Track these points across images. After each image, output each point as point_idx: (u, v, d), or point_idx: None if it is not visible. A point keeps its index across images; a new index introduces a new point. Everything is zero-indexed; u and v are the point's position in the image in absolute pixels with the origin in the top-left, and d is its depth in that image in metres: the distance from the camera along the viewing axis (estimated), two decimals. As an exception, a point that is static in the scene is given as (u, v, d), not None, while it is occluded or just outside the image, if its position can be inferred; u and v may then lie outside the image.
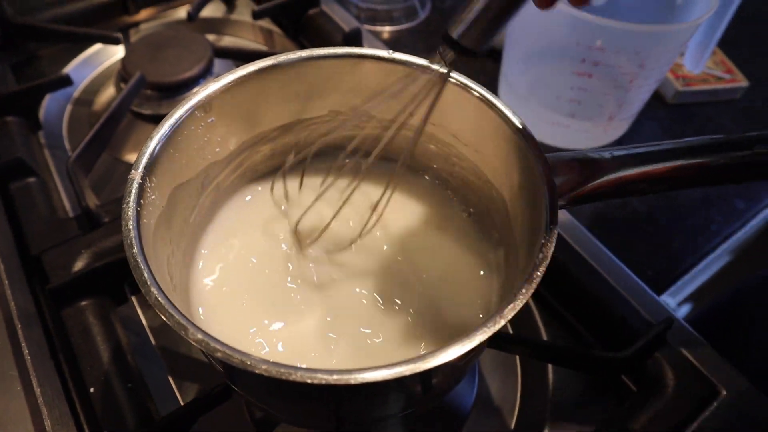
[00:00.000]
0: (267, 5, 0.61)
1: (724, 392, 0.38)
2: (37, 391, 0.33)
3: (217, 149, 0.36)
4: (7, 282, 0.38)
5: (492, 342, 0.39)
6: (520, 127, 0.31)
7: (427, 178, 0.41)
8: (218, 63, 0.59)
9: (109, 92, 0.61)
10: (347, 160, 0.39)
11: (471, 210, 0.39)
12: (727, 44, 0.67)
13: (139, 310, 0.45)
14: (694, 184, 0.33)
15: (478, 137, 0.35)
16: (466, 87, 0.33)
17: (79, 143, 0.56)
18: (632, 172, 0.32)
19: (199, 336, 0.23)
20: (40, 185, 0.48)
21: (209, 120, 0.34)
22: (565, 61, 0.48)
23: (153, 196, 0.30)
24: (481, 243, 0.38)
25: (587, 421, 0.40)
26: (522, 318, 0.46)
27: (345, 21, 0.62)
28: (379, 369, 0.22)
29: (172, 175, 0.32)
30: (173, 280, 0.31)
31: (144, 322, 0.44)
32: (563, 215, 0.46)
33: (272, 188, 0.39)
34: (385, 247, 0.38)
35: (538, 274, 0.26)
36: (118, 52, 0.65)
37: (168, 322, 0.24)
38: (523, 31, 0.51)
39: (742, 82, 0.64)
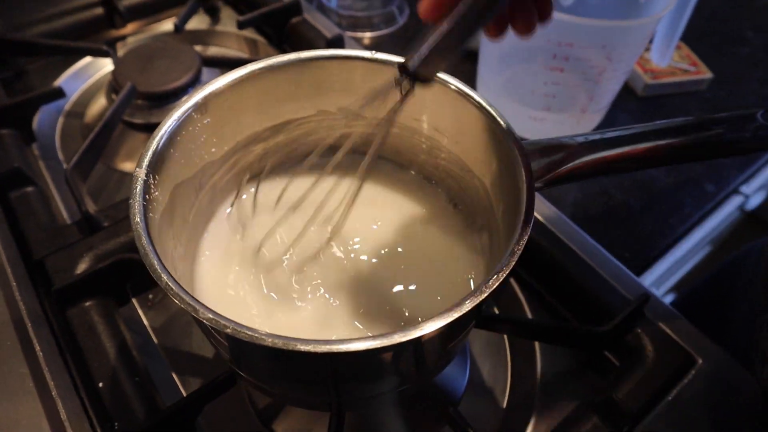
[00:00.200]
0: (251, 15, 0.64)
1: (701, 361, 0.41)
2: (51, 384, 0.34)
3: (213, 149, 0.37)
4: (14, 284, 0.39)
5: (481, 323, 0.41)
6: (497, 117, 0.34)
7: (413, 172, 0.43)
8: (206, 72, 0.61)
9: (99, 104, 0.62)
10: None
11: (455, 198, 0.41)
12: (692, 39, 0.71)
13: (140, 311, 0.46)
14: (660, 164, 0.36)
15: (458, 129, 0.38)
16: (444, 82, 0.35)
17: (71, 154, 0.58)
18: (603, 155, 0.34)
19: (210, 315, 0.25)
20: (38, 194, 0.49)
21: (205, 121, 0.35)
22: (538, 58, 0.51)
23: (156, 193, 0.31)
24: (465, 229, 0.40)
25: (574, 395, 0.43)
26: (508, 302, 0.48)
27: (327, 28, 0.64)
28: (377, 337, 0.24)
29: (173, 174, 0.34)
30: (177, 272, 0.33)
31: (145, 322, 0.46)
32: (547, 208, 0.49)
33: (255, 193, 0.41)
34: (378, 239, 0.40)
35: (520, 246, 0.28)
36: (106, 65, 0.67)
37: (180, 304, 0.25)
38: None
39: (707, 74, 0.67)
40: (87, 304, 0.42)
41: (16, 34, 0.63)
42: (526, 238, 0.29)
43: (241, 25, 0.63)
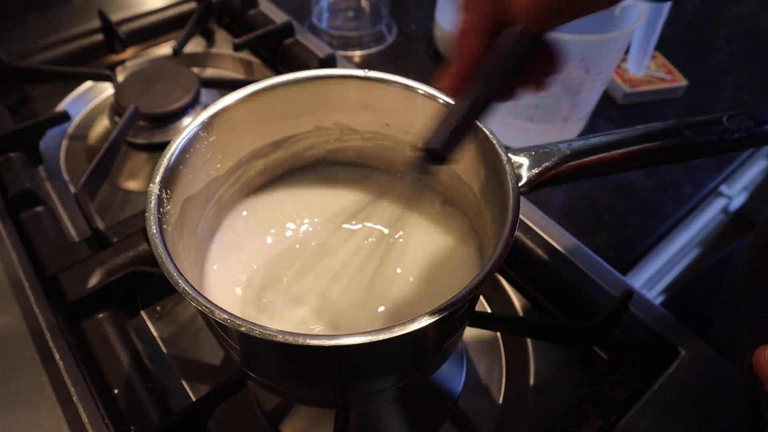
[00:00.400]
0: (246, 38, 0.66)
1: (683, 352, 0.43)
2: (71, 390, 0.36)
3: (218, 165, 0.40)
4: (32, 298, 0.41)
5: (475, 321, 0.44)
6: (482, 127, 0.36)
7: (406, 181, 0.46)
8: (205, 92, 0.64)
9: (101, 126, 0.65)
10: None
11: (447, 203, 0.44)
12: (667, 49, 0.74)
13: (149, 323, 0.48)
14: (638, 166, 0.38)
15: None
16: (433, 97, 0.38)
17: (76, 174, 0.60)
18: (585, 160, 0.37)
19: (225, 315, 0.27)
20: (47, 213, 0.51)
21: (211, 139, 0.38)
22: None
23: (168, 207, 0.34)
24: (460, 233, 0.43)
25: (566, 390, 0.45)
26: (501, 302, 0.50)
27: (319, 48, 0.67)
28: (380, 331, 0.27)
29: (182, 189, 0.36)
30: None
31: (154, 333, 0.48)
32: (535, 213, 0.51)
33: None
34: (377, 248, 0.42)
35: (508, 244, 0.30)
36: (106, 89, 0.69)
37: (197, 307, 0.27)
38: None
39: (682, 82, 0.70)
40: (100, 316, 0.44)
41: (20, 62, 0.65)
42: (512, 237, 0.31)
43: (236, 48, 0.66)
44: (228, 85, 0.65)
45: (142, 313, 0.49)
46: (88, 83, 0.69)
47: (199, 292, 0.28)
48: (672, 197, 0.60)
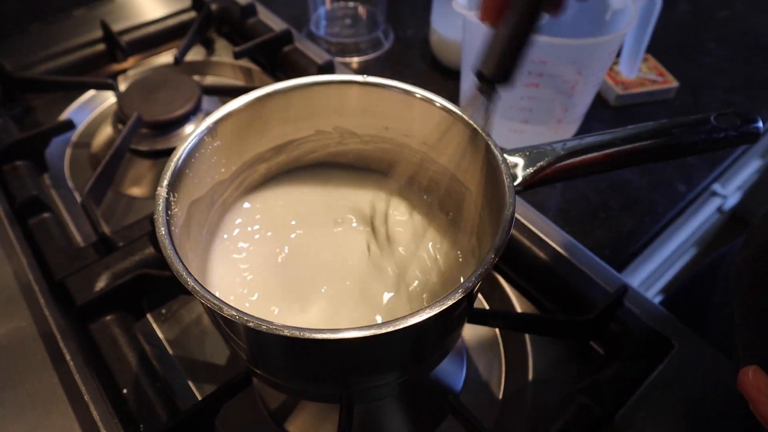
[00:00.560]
0: (246, 46, 0.68)
1: (677, 345, 0.45)
2: (83, 390, 0.37)
3: (222, 169, 0.41)
4: (42, 301, 0.42)
5: (474, 318, 0.45)
6: (478, 129, 0.38)
7: (404, 182, 0.47)
8: (206, 100, 0.65)
9: (104, 134, 0.66)
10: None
11: (446, 206, 0.45)
12: (658, 51, 0.76)
13: (154, 325, 0.49)
14: (630, 164, 0.40)
15: (444, 142, 0.41)
16: (429, 100, 0.39)
17: (81, 181, 0.62)
18: (578, 159, 0.38)
19: (233, 312, 0.28)
20: (54, 219, 0.52)
21: (215, 144, 0.39)
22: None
23: (175, 209, 0.35)
24: (457, 234, 0.44)
25: (565, 384, 0.46)
26: (499, 300, 0.51)
27: (318, 55, 0.69)
28: (383, 325, 0.28)
29: (189, 192, 0.37)
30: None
31: (160, 335, 0.49)
32: (532, 213, 0.52)
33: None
34: (377, 247, 0.43)
35: (504, 240, 0.32)
36: (108, 97, 0.70)
37: (207, 304, 0.28)
38: (473, 51, 0.58)
39: (674, 83, 0.72)
40: (107, 318, 0.45)
41: (24, 73, 0.66)
42: (509, 234, 0.32)
43: (236, 55, 0.67)
44: (229, 92, 0.66)
45: (148, 315, 0.50)
46: (91, 92, 0.70)
47: (207, 290, 0.29)
48: (665, 196, 0.61)
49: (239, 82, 0.74)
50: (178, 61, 0.68)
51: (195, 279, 0.30)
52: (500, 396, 0.46)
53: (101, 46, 0.72)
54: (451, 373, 0.47)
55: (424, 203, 0.46)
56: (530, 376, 0.46)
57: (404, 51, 0.78)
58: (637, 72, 0.67)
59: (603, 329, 0.46)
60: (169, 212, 0.34)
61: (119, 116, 0.62)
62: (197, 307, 0.50)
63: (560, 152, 0.38)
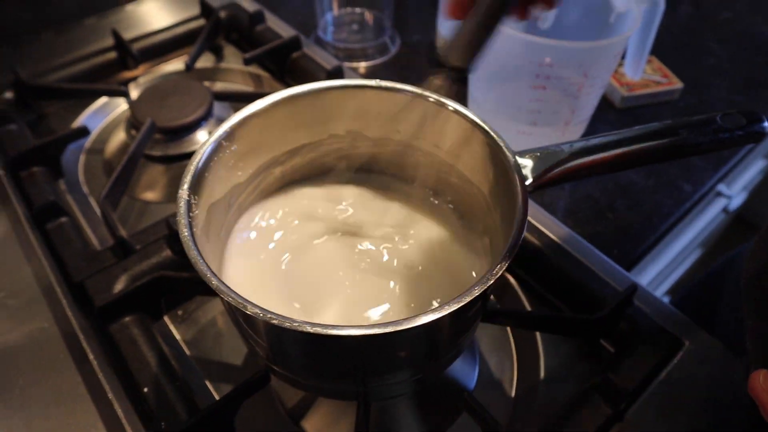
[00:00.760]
0: (255, 52, 0.69)
1: (687, 343, 0.45)
2: (106, 388, 0.38)
3: (239, 173, 0.42)
4: (64, 301, 0.43)
5: (487, 317, 0.45)
6: (489, 130, 0.39)
7: (415, 184, 0.48)
8: (217, 106, 0.66)
9: (117, 140, 0.67)
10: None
11: (457, 206, 0.46)
12: (662, 53, 0.77)
13: (171, 327, 0.50)
14: (637, 165, 0.40)
15: (456, 144, 0.42)
16: (442, 104, 0.40)
17: (95, 187, 0.63)
18: (586, 160, 0.39)
19: (257, 309, 0.29)
20: (71, 223, 0.53)
21: (233, 148, 0.40)
22: (522, 78, 0.56)
23: (196, 212, 0.36)
24: (468, 234, 0.45)
25: (576, 383, 0.46)
26: (510, 300, 0.52)
27: (326, 60, 0.70)
28: (403, 321, 0.28)
29: (208, 195, 0.38)
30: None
31: (177, 336, 0.50)
32: (541, 214, 0.53)
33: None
34: (388, 247, 0.44)
35: (516, 243, 0.32)
36: (120, 104, 0.72)
37: (230, 302, 0.29)
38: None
39: (678, 85, 0.73)
40: (126, 319, 0.46)
41: (38, 80, 0.67)
42: (522, 234, 0.33)
43: (246, 62, 0.68)
44: (239, 98, 0.67)
45: (165, 318, 0.50)
46: (103, 99, 0.72)
47: (231, 289, 0.30)
48: (671, 196, 0.62)
49: (249, 88, 0.75)
50: (189, 67, 0.69)
51: (219, 278, 0.31)
52: (512, 394, 0.47)
53: (112, 54, 0.73)
54: (465, 371, 0.48)
55: (434, 204, 0.47)
56: (542, 375, 0.47)
57: (411, 56, 0.80)
58: (642, 74, 0.68)
59: (613, 328, 0.47)
60: (190, 214, 0.34)
61: (132, 122, 0.63)
62: (213, 309, 0.51)
63: (569, 153, 0.39)
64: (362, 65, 0.78)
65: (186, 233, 0.33)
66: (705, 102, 0.74)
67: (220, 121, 0.65)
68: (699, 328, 0.46)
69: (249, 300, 0.30)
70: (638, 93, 0.71)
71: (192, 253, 0.32)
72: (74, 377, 0.41)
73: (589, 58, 0.52)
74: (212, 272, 0.31)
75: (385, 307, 0.40)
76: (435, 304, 0.40)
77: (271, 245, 0.44)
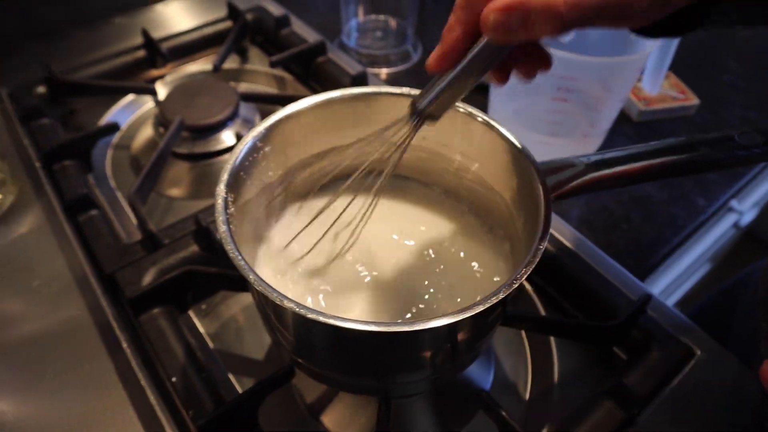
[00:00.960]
0: (282, 55, 0.70)
1: (699, 352, 0.46)
2: (139, 375, 0.40)
3: (270, 173, 0.43)
4: (98, 291, 0.45)
5: (506, 320, 0.47)
6: (515, 142, 0.40)
7: (438, 190, 0.49)
8: (243, 106, 0.68)
9: (144, 136, 0.68)
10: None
11: (478, 212, 0.47)
12: (680, 69, 0.78)
13: (195, 320, 0.52)
14: (654, 179, 0.42)
15: (481, 153, 0.44)
16: (471, 114, 0.42)
17: (121, 182, 0.64)
18: (606, 172, 0.40)
19: (292, 304, 0.31)
20: (102, 217, 0.55)
21: (266, 149, 0.41)
22: (544, 90, 0.57)
23: (232, 209, 0.37)
24: (489, 239, 0.46)
25: (589, 388, 0.48)
26: (524, 305, 0.53)
27: (350, 66, 0.71)
28: (433, 319, 0.30)
29: (242, 193, 0.39)
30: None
31: (201, 329, 0.51)
32: (557, 222, 0.55)
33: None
34: (412, 251, 0.45)
35: (542, 246, 0.34)
36: (147, 102, 0.73)
37: (269, 296, 0.31)
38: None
39: (694, 101, 0.74)
40: (155, 311, 0.47)
41: (70, 76, 0.69)
42: (546, 241, 0.35)
43: (273, 64, 0.70)
44: (264, 99, 0.69)
45: (190, 312, 0.52)
46: (130, 96, 0.73)
47: (267, 284, 0.32)
48: (685, 209, 0.63)
49: (272, 90, 0.76)
50: (217, 68, 0.70)
51: (256, 273, 0.32)
52: (527, 397, 0.48)
53: (141, 53, 0.75)
54: (481, 373, 0.49)
55: (456, 208, 0.48)
56: (555, 379, 0.48)
57: (432, 64, 0.81)
58: (659, 89, 0.69)
59: (626, 335, 0.48)
60: (228, 211, 0.36)
61: (161, 120, 0.65)
62: (235, 304, 0.53)
63: (590, 165, 0.41)
64: (384, 71, 0.79)
65: (224, 229, 0.34)
66: (720, 118, 0.75)
67: (246, 121, 0.67)
68: (710, 339, 0.47)
69: (284, 294, 0.31)
70: (655, 108, 0.72)
71: (229, 247, 0.33)
72: (106, 364, 0.42)
73: (611, 73, 0.53)
74: (249, 267, 0.33)
75: (404, 301, 0.42)
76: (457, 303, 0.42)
77: (298, 244, 0.45)
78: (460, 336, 0.36)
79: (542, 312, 0.53)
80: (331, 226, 0.46)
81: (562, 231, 0.54)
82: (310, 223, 0.43)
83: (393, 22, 0.82)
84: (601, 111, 0.58)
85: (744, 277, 0.58)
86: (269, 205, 0.45)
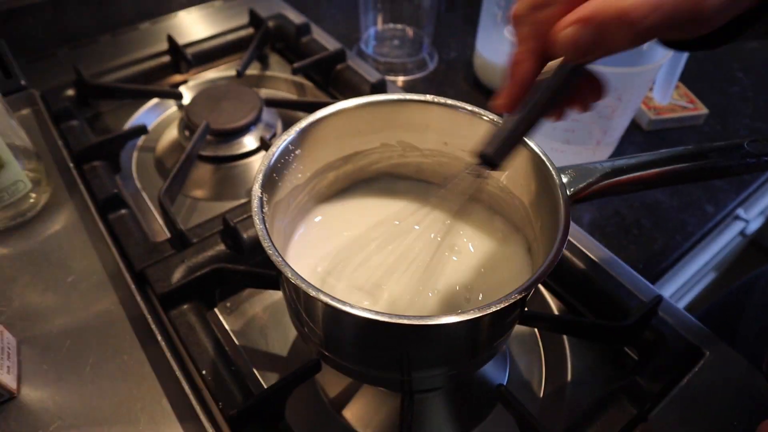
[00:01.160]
0: (303, 62, 0.73)
1: (707, 353, 0.48)
2: (173, 365, 0.42)
3: (299, 175, 0.45)
4: (133, 287, 0.47)
5: (522, 319, 0.48)
6: (536, 149, 0.42)
7: (459, 192, 0.51)
8: (265, 111, 0.70)
9: (168, 138, 0.71)
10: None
11: (497, 214, 0.49)
12: (689, 80, 0.80)
13: (220, 317, 0.54)
14: (665, 185, 0.43)
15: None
16: (495, 122, 0.43)
17: (146, 183, 0.66)
18: (620, 178, 0.42)
19: (327, 298, 0.32)
20: (131, 215, 0.57)
21: (297, 152, 0.43)
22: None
23: (266, 209, 0.39)
24: (509, 240, 0.48)
25: (600, 385, 0.49)
26: (539, 306, 0.55)
27: (369, 73, 0.73)
28: (462, 313, 0.31)
29: (274, 193, 0.41)
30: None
31: (226, 326, 0.53)
32: (572, 227, 0.56)
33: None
34: (436, 252, 0.47)
35: (563, 246, 0.36)
36: (170, 105, 0.76)
37: (307, 291, 0.33)
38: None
39: (703, 110, 0.76)
40: (184, 307, 0.49)
41: (98, 80, 0.72)
42: (566, 241, 0.36)
43: (295, 71, 0.72)
44: (287, 105, 0.71)
45: (216, 310, 0.54)
46: (154, 100, 0.76)
47: (304, 279, 0.34)
48: (694, 216, 0.65)
49: (292, 96, 0.79)
50: (240, 74, 0.73)
51: (292, 269, 0.34)
52: (541, 394, 0.50)
53: (166, 58, 0.78)
54: (496, 372, 0.51)
55: (476, 211, 0.50)
56: (569, 377, 0.50)
57: (447, 72, 0.83)
58: (670, 99, 0.71)
59: (638, 336, 0.49)
60: (263, 210, 0.38)
61: (186, 123, 0.67)
62: (259, 302, 0.55)
63: (607, 170, 0.42)
64: (401, 79, 0.82)
65: (260, 227, 0.36)
66: (728, 128, 0.77)
67: (269, 125, 0.69)
68: (719, 340, 0.49)
69: (320, 288, 0.33)
70: (665, 117, 0.74)
71: (266, 244, 0.35)
72: (140, 356, 0.44)
73: (624, 83, 0.55)
74: (286, 263, 0.34)
75: (423, 297, 0.43)
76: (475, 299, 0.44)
77: (323, 244, 0.47)
78: (484, 331, 0.37)
79: (555, 312, 0.54)
80: (357, 226, 0.48)
81: (575, 235, 0.55)
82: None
83: (410, 31, 0.84)
84: (614, 120, 0.60)
85: (750, 280, 0.60)
86: (297, 205, 0.47)
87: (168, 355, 0.42)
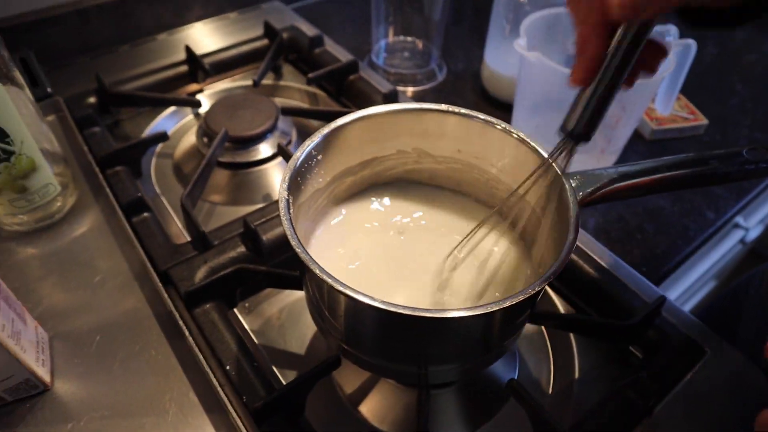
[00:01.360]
0: (318, 73, 0.75)
1: (709, 351, 0.50)
2: (200, 359, 0.44)
3: (320, 179, 0.48)
4: (159, 285, 0.49)
5: (532, 318, 0.50)
6: (546, 155, 0.44)
7: (471, 197, 0.53)
8: (281, 119, 0.72)
9: (186, 145, 0.73)
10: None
11: (507, 217, 0.51)
12: (690, 91, 0.82)
13: (240, 317, 0.56)
14: (667, 190, 0.46)
15: (513, 165, 0.48)
16: (507, 130, 0.46)
17: (164, 187, 0.69)
18: (625, 183, 0.45)
19: (352, 293, 0.35)
20: (153, 218, 0.59)
21: (319, 157, 0.46)
22: (564, 108, 0.61)
23: (291, 210, 0.41)
24: (519, 242, 0.50)
25: (607, 383, 0.51)
26: (546, 306, 0.57)
27: (381, 84, 0.76)
28: (480, 306, 0.34)
29: (298, 196, 0.43)
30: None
31: (246, 325, 0.55)
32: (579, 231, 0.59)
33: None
34: (446, 248, 0.49)
35: (572, 247, 0.38)
36: (187, 113, 0.78)
37: (334, 286, 0.35)
38: (528, 87, 0.65)
39: (703, 121, 0.78)
40: (207, 306, 0.51)
41: (119, 88, 0.74)
42: (575, 242, 0.39)
43: (309, 81, 0.74)
44: (302, 114, 0.73)
45: (235, 310, 0.56)
46: (171, 108, 0.78)
47: (332, 276, 0.36)
48: (695, 221, 0.67)
49: (306, 105, 0.81)
50: (257, 83, 0.75)
51: (319, 266, 0.36)
52: (549, 391, 0.52)
53: (184, 68, 0.80)
54: (506, 370, 0.53)
55: (487, 214, 0.52)
56: (576, 375, 0.52)
57: (456, 83, 0.86)
58: (671, 110, 0.73)
59: (643, 335, 0.52)
60: (290, 211, 0.40)
61: (205, 130, 0.69)
62: (277, 302, 0.57)
63: (614, 176, 0.45)
64: (410, 89, 0.84)
65: (288, 226, 0.39)
66: (728, 138, 0.79)
67: (284, 133, 0.72)
68: (720, 339, 0.51)
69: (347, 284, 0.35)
70: (666, 127, 0.76)
71: (294, 242, 0.37)
72: (166, 351, 0.46)
73: (628, 95, 0.58)
74: (314, 260, 0.37)
75: (439, 294, 0.45)
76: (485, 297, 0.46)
77: (341, 246, 0.49)
78: (497, 326, 0.39)
79: (561, 312, 0.57)
80: (374, 228, 0.50)
81: (581, 238, 0.58)
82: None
83: (420, 44, 0.87)
84: (618, 129, 0.62)
85: (747, 280, 0.62)
86: (317, 208, 0.50)
87: (195, 349, 0.44)
